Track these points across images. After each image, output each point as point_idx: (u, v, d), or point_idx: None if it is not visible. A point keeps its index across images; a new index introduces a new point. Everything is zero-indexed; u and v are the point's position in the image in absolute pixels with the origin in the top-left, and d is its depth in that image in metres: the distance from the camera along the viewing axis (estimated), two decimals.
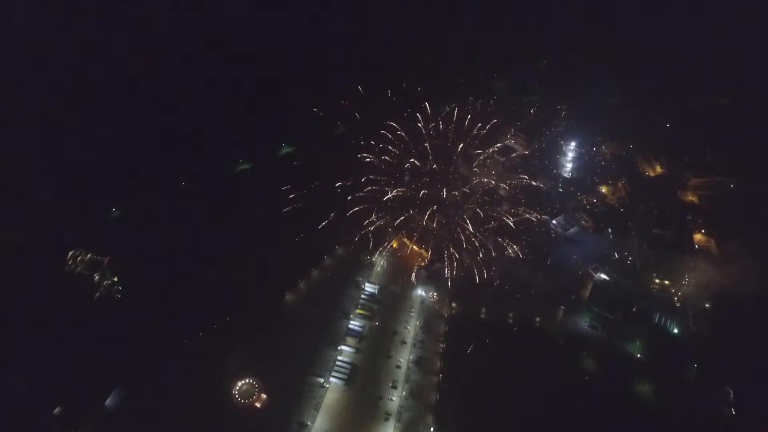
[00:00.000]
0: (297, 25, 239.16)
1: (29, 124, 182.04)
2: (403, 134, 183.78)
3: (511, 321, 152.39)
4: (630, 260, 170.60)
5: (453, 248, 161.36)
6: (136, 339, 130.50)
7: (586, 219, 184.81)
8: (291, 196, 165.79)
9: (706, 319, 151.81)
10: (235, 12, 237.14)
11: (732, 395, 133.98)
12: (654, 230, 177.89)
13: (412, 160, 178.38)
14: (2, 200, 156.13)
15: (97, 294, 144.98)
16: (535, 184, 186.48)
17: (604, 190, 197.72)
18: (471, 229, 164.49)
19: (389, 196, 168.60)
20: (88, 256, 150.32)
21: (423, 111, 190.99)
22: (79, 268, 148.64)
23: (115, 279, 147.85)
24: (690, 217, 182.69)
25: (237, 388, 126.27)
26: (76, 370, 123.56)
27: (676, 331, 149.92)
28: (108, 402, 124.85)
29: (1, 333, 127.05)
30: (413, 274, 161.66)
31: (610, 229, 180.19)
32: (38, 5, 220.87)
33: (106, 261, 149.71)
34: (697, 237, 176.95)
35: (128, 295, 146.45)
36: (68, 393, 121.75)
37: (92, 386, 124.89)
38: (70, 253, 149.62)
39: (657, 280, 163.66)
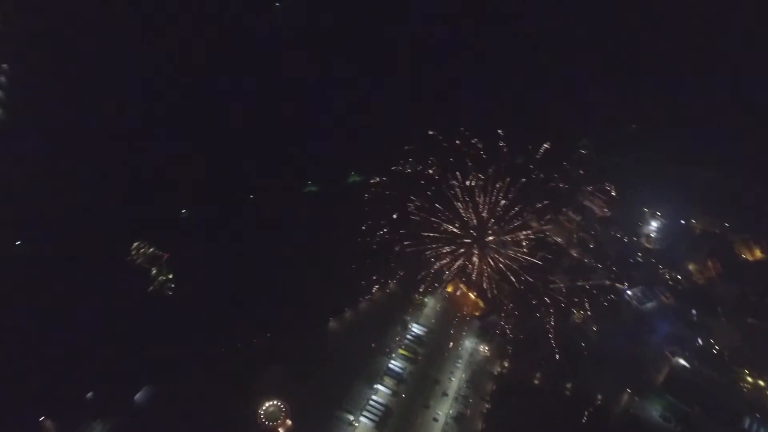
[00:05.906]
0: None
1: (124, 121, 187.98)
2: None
3: (568, 393, 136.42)
4: (717, 349, 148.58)
5: (512, 303, 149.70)
6: (177, 339, 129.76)
7: (667, 295, 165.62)
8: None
9: None
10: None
11: None
12: (749, 320, 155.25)
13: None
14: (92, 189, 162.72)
15: (151, 288, 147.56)
16: None
17: (690, 267, 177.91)
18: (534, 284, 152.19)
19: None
20: (151, 250, 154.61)
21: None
22: (139, 260, 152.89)
23: (170, 276, 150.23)
24: None
25: (264, 408, 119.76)
26: (112, 358, 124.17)
27: None
28: (137, 396, 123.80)
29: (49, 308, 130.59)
30: (466, 323, 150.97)
31: (694, 311, 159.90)
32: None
33: (165, 257, 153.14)
34: None
35: (178, 295, 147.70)
36: (101, 379, 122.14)
37: (126, 377, 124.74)
38: (135, 245, 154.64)
39: (750, 378, 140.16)
